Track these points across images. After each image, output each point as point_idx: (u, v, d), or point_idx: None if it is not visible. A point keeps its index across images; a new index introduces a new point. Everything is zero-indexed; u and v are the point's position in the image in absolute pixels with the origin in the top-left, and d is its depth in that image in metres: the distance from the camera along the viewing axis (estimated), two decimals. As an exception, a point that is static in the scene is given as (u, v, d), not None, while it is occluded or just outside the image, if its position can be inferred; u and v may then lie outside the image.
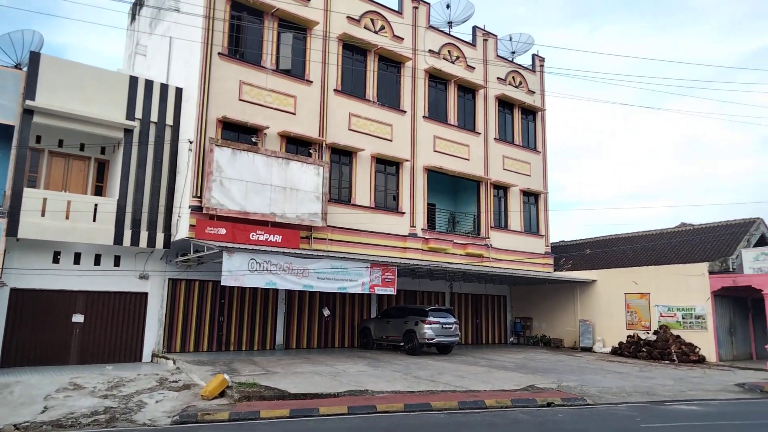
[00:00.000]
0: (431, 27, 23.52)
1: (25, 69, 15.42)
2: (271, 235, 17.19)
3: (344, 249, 19.21)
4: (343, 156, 20.32)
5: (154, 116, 17.17)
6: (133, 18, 24.24)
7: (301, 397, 10.64)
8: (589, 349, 23.72)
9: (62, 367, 14.63)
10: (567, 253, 28.38)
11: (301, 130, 18.86)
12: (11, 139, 14.78)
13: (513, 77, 26.16)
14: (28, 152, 15.19)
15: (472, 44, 24.92)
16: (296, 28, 19.40)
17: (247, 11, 18.40)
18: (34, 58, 15.38)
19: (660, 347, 20.75)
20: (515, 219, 25.15)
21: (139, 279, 16.83)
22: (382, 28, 21.72)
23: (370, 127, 21.01)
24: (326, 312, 21.02)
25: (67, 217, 15.15)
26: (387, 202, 21.44)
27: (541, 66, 27.60)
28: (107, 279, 16.34)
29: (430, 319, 18.94)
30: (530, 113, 26.90)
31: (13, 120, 14.78)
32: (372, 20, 21.48)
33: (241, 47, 18.22)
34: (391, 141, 21.53)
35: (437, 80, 23.51)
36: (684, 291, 21.20)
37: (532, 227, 26.03)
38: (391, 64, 22.03)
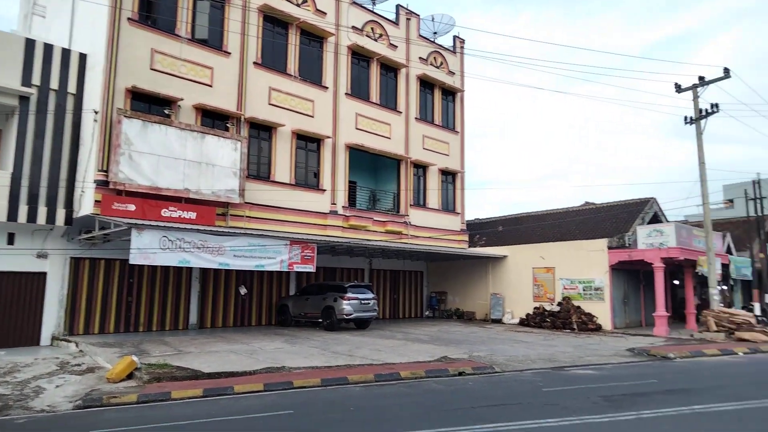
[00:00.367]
0: (355, 3, 23.29)
1: None
2: (185, 212, 16.59)
3: (263, 226, 18.93)
4: (262, 131, 19.86)
5: (54, 83, 15.90)
6: (27, -27, 22.11)
7: (216, 376, 10.50)
8: (499, 321, 25.02)
9: (-51, 354, 13.49)
10: (481, 230, 29.56)
11: (218, 103, 18.19)
12: None
13: (434, 58, 26.54)
14: None
15: (395, 23, 24.97)
16: (212, -5, 18.56)
17: (158, -26, 17.35)
18: None
19: (563, 317, 22.28)
20: (433, 197, 25.80)
21: (36, 258, 15.72)
22: (305, 1, 21.23)
23: (291, 102, 20.63)
24: (243, 290, 20.69)
25: (-48, 191, 13.82)
26: (308, 179, 21.27)
27: (462, 48, 28.16)
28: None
29: (349, 295, 19.18)
30: (450, 94, 27.47)
31: None
32: (293, -8, 20.97)
33: (153, 13, 17.16)
34: (312, 117, 21.29)
35: (360, 57, 23.41)
36: (585, 265, 22.81)
37: (449, 205, 26.82)
38: (314, 38, 21.66)
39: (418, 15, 26.17)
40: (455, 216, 26.86)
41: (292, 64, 20.80)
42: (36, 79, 15.54)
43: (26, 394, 9.29)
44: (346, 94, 22.57)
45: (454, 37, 28.12)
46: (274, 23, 20.39)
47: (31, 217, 15.12)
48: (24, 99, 15.28)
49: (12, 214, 14.80)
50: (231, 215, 18.15)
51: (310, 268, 18.36)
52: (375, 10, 24.44)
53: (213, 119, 18.33)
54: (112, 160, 15.20)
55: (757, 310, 23.13)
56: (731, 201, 32.30)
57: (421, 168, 25.62)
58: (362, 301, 19.48)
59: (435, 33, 27.38)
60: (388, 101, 24.48)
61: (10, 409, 8.32)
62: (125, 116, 15.45)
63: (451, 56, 27.45)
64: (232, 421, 7.45)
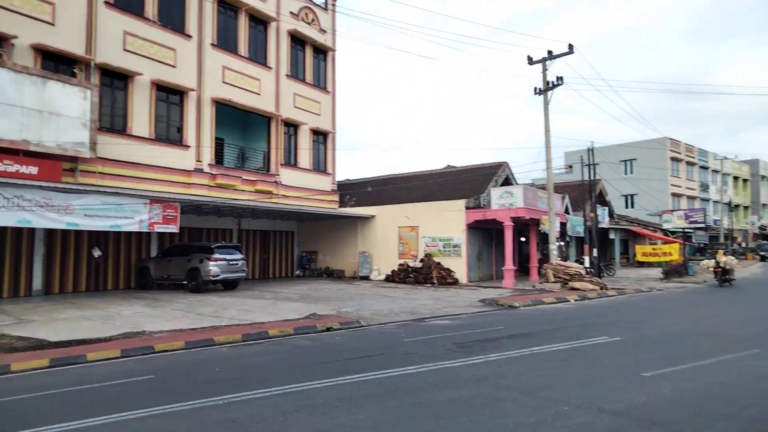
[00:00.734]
0: (219, -55, 21.81)
1: None
2: (24, 166, 14.84)
3: (120, 184, 17.57)
4: (117, 80, 18.18)
5: None
6: None
7: (65, 344, 9.77)
8: (367, 278, 25.99)
9: None
10: (351, 191, 30.09)
11: (62, 44, 16.25)
12: None
13: (306, 14, 25.89)
14: None
15: (264, -29, 23.87)
16: None
17: None
18: None
19: (424, 273, 23.75)
20: (305, 157, 25.65)
21: None
22: (162, -63, 19.44)
23: (149, 49, 19.04)
24: (96, 252, 19.18)
25: None
26: (170, 134, 20.00)
27: (334, 5, 27.76)
28: None
29: (216, 256, 18.66)
30: (322, 52, 27.11)
31: None
32: (149, -75, 19.06)
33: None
34: (174, 67, 19.87)
35: (227, 6, 22.13)
36: (446, 224, 24.36)
37: (320, 165, 26.87)
38: (173, -20, 20.01)
39: (290, -34, 25.25)
40: (326, 176, 27.01)
41: (151, 6, 19.12)
42: None
43: None
44: (212, 44, 21.32)
45: (327, -7, 27.62)
46: (129, -41, 18.51)
47: None
48: None
49: None
50: (81, 171, 16.58)
51: (173, 228, 17.51)
52: (243, -44, 23.15)
53: (56, 63, 16.39)
54: (-74, 104, 13.03)
55: (587, 263, 26.53)
56: (571, 167, 36.13)
57: (292, 127, 25.24)
58: (230, 262, 19.07)
59: (307, -13, 26.66)
60: (258, 56, 23.58)
61: None
62: (-58, 53, 13.23)
63: (322, 13, 26.97)
64: (82, 390, 7.05)
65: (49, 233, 17.73)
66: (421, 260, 24.63)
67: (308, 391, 6.66)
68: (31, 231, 17.25)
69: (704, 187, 57.73)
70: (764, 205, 70.82)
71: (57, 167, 15.70)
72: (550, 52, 20.84)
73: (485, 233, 26.07)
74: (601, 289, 20.65)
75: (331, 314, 13.98)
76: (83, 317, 12.79)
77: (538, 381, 7.04)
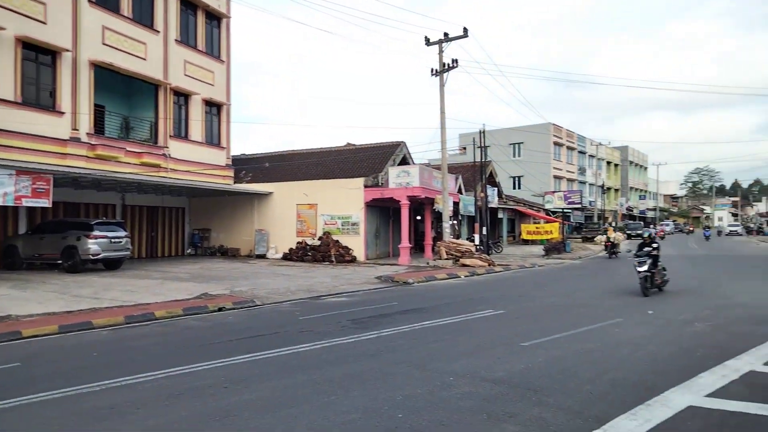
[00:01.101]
0: None
1: None
2: None
3: (-23, 152, 15.63)
4: (-29, 33, 16.03)
5: None
6: None
7: None
8: (263, 257, 25.49)
9: None
10: (247, 166, 29.16)
11: None
12: None
13: (197, -25, 24.36)
14: None
15: (151, -74, 22.05)
16: None
17: None
18: None
19: (323, 251, 23.73)
20: (197, 129, 24.38)
21: None
22: None
23: (13, 1, 16.96)
24: (-48, 229, 17.04)
25: None
26: (41, 98, 18.08)
27: (229, -31, 26.37)
28: None
29: (96, 233, 17.32)
30: (215, 18, 25.72)
31: None
32: None
33: None
34: (44, 23, 17.90)
35: (106, -41, 20.21)
36: (344, 202, 24.43)
37: (213, 138, 25.70)
38: (43, -75, 17.88)
39: (180, -77, 23.53)
40: (220, 150, 25.92)
41: (15, -47, 17.00)
42: None
43: None
44: (89, 1, 19.41)
45: (222, -44, 26.13)
46: None
47: None
48: None
49: None
50: (-72, 136, 14.53)
51: (45, 202, 15.96)
52: None
53: None
54: None
55: (477, 241, 27.91)
56: (465, 148, 37.60)
57: (182, 96, 23.83)
58: (112, 240, 17.79)
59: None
60: (143, 17, 21.86)
61: None
62: None
63: (217, -23, 25.54)
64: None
65: None
66: (320, 238, 24.55)
67: (195, 373, 6.43)
68: None
69: (582, 171, 62.76)
70: (632, 188, 78.55)
71: None
72: (446, 35, 21.34)
73: (383, 211, 26.50)
74: (489, 265, 21.86)
75: (224, 294, 13.56)
76: (-66, 302, 11.36)
77: (427, 354, 7.33)
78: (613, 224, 62.97)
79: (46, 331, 9.01)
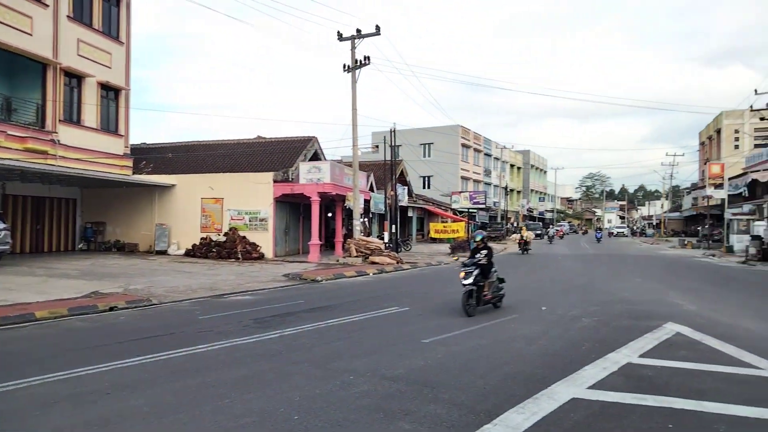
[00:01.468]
0: None
1: None
2: None
3: None
4: None
5: None
6: None
7: None
8: (164, 253, 24.21)
9: None
10: (148, 156, 27.53)
11: None
12: None
13: (95, -52, 22.59)
14: None
15: None
16: None
17: None
18: None
19: (228, 247, 22.95)
20: (91, 114, 22.64)
21: None
22: None
23: None
24: None
25: None
26: None
27: (131, -55, 24.70)
28: None
29: (-32, 225, 15.58)
30: (114, -4, 24.00)
31: None
32: None
33: None
34: None
35: None
36: (252, 197, 23.77)
37: (110, 125, 23.99)
38: None
39: None
40: (118, 138, 24.26)
41: None
42: None
43: None
44: (-36, -34, 17.41)
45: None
46: None
47: None
48: None
49: None
50: None
51: None
52: None
53: None
54: None
55: (387, 238, 28.27)
56: (377, 146, 37.89)
57: (75, 78, 22.03)
58: (-12, 233, 16.10)
59: None
60: (31, -11, 19.93)
61: None
62: None
63: (117, -48, 23.84)
64: None
65: None
66: (226, 234, 23.71)
67: (75, 379, 5.93)
68: None
69: (487, 173, 65.48)
70: (532, 190, 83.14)
71: None
72: (358, 31, 21.35)
73: (293, 207, 26.08)
74: (398, 263, 22.19)
75: (116, 292, 12.73)
76: None
77: (329, 352, 7.27)
78: (515, 224, 66.30)
79: None
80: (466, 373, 6.24)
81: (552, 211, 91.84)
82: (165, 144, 30.55)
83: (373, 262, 21.76)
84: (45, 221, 23.90)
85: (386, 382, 5.82)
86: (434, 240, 42.67)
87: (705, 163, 49.37)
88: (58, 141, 20.98)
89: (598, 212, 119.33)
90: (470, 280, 10.13)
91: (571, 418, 4.79)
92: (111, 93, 23.97)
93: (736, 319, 10.10)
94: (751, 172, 34.09)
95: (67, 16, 21.31)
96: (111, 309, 10.93)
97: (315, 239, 23.59)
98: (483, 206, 48.54)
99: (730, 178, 40.35)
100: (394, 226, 29.92)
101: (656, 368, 6.47)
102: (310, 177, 23.68)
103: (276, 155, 26.52)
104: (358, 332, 8.70)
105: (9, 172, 18.88)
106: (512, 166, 75.51)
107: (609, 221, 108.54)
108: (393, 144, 29.97)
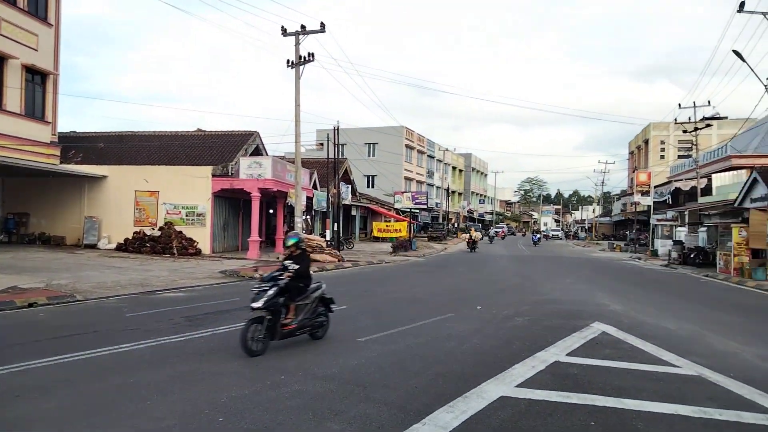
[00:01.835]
0: None
1: None
2: None
3: None
4: None
5: None
6: None
7: None
8: (94, 246, 23.09)
9: None
10: (79, 145, 26.12)
11: None
12: None
13: None
14: None
15: None
16: None
17: None
18: None
19: (163, 242, 22.12)
20: (14, 98, 21.22)
21: None
22: None
23: None
24: None
25: None
26: None
27: None
28: None
29: None
30: (43, -26, 22.60)
31: None
32: None
33: None
34: None
35: None
36: (190, 191, 23.01)
37: (36, 111, 22.58)
38: None
39: None
40: (44, 125, 22.87)
41: None
42: None
43: None
44: None
45: None
46: None
47: None
48: None
49: None
50: None
51: None
52: None
53: None
54: None
55: (329, 236, 28.10)
56: (322, 144, 37.61)
57: (-4, 59, 20.57)
58: None
59: None
60: (-52, -40, 18.46)
61: None
62: None
63: (48, -73, 22.46)
64: None
65: None
66: (161, 228, 22.85)
67: (-18, 382, 5.51)
68: None
69: (430, 174, 66.35)
70: (473, 192, 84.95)
71: None
72: (303, 27, 21.07)
73: (233, 203, 25.45)
74: (339, 261, 22.08)
75: (37, 287, 12.00)
76: None
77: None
78: (456, 225, 67.52)
79: None
80: (399, 371, 6.24)
81: (492, 213, 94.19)
82: (97, 133, 29.08)
83: (314, 260, 21.49)
84: (-41, 211, 22.23)
85: (318, 382, 5.74)
86: (377, 239, 42.79)
87: (633, 172, 52.04)
88: (-24, 125, 19.54)
89: (535, 215, 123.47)
90: (260, 303, 6.87)
91: (498, 416, 4.87)
92: (37, 77, 22.56)
93: (658, 319, 10.65)
94: (675, 180, 36.21)
95: (-11, -8, 19.89)
96: (30, 305, 10.31)
97: (255, 236, 23.11)
98: (425, 207, 49.15)
99: (656, 186, 42.73)
100: (336, 225, 29.77)
101: (582, 366, 6.71)
102: (250, 172, 23.17)
103: (216, 149, 25.80)
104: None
105: None
106: (454, 168, 76.84)
107: (545, 224, 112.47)
108: (336, 142, 29.81)
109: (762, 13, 19.06)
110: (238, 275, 16.63)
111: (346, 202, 37.35)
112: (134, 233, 22.92)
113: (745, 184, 22.98)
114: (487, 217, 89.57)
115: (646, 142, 55.11)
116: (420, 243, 37.68)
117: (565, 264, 27.17)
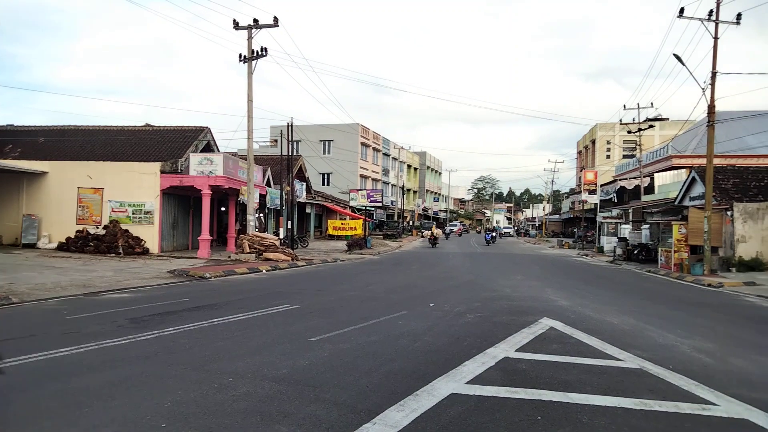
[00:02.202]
0: None
1: None
2: None
3: None
4: None
5: None
6: None
7: None
8: (33, 246, 22.02)
9: None
10: (16, 139, 24.81)
11: None
12: None
13: None
14: None
15: None
16: None
17: None
18: None
19: (108, 241, 21.29)
20: (-57, 88, 19.92)
21: None
22: None
23: None
24: None
25: None
26: None
27: None
28: None
29: None
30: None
31: None
32: None
33: None
34: None
35: None
36: (137, 188, 22.24)
37: (-32, 102, 21.28)
38: None
39: None
40: (-23, 117, 21.56)
41: None
42: None
43: None
44: None
45: None
46: None
47: None
48: None
49: None
50: None
51: None
52: None
53: None
54: None
55: (282, 234, 27.73)
56: (276, 140, 37.08)
57: (-77, 46, 19.24)
58: None
59: None
60: None
61: None
62: None
63: None
64: None
65: None
66: (105, 227, 21.99)
67: None
68: None
69: (385, 172, 66.54)
70: (428, 191, 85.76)
71: None
72: (256, 21, 20.70)
73: (182, 200, 24.76)
74: (293, 259, 21.84)
75: (-33, 290, 11.28)
76: None
77: (209, 354, 6.91)
78: (411, 223, 67.98)
79: None
80: (350, 371, 6.20)
81: (446, 211, 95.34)
82: (37, 127, 27.69)
83: (267, 259, 21.22)
84: None
85: (267, 384, 5.62)
86: (332, 237, 42.58)
87: (581, 171, 53.74)
88: None
89: (488, 213, 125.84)
90: None
91: (448, 413, 4.90)
92: (-30, 66, 21.25)
93: (602, 314, 11.01)
94: (620, 179, 37.64)
95: None
96: (-42, 309, 9.69)
97: (205, 234, 22.55)
98: (380, 204, 49.25)
99: (602, 185, 44.29)
100: (290, 223, 29.40)
101: (530, 362, 6.84)
102: (201, 169, 22.59)
103: (165, 145, 25.01)
104: (244, 332, 8.38)
105: None
106: (409, 166, 77.34)
107: (497, 222, 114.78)
108: (290, 138, 29.44)
109: (700, 19, 20.00)
110: (188, 275, 16.20)
111: (301, 200, 36.96)
112: (77, 232, 21.96)
113: (684, 183, 24.11)
114: (442, 215, 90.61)
115: (593, 142, 57.00)
116: (375, 241, 37.75)
117: (516, 261, 27.77)
